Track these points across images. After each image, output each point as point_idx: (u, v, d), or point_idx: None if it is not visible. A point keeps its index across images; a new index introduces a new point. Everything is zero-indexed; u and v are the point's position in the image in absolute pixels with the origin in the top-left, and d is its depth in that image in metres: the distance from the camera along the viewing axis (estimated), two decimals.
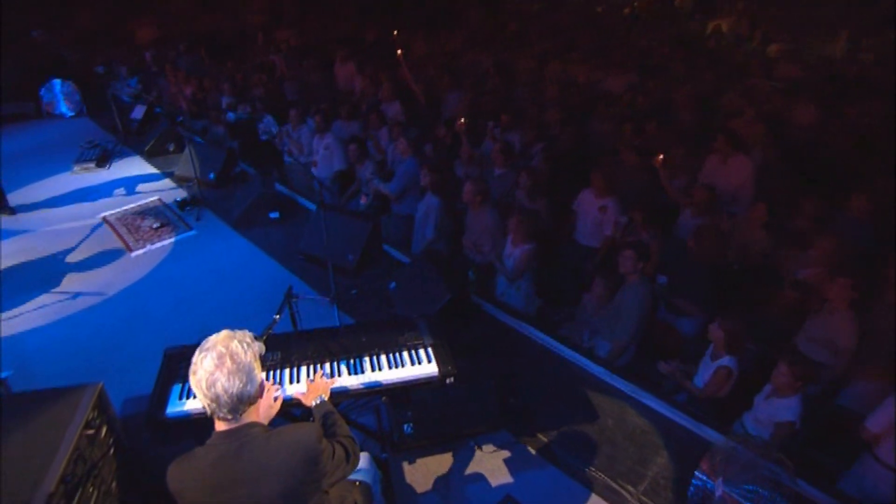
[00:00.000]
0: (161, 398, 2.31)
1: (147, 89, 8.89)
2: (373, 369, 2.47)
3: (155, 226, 5.72)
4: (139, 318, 4.38)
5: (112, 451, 2.09)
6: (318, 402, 2.16)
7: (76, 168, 6.92)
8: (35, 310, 4.50)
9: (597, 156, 5.53)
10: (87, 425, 1.91)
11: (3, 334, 4.20)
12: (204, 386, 1.51)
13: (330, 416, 2.05)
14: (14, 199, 6.22)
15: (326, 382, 2.28)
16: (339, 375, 2.43)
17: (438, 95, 7.19)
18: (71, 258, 5.21)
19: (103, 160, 7.09)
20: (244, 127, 7.02)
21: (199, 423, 2.24)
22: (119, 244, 5.44)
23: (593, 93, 6.99)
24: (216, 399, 1.52)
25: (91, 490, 1.94)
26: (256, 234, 5.58)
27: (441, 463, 3.02)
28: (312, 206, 5.90)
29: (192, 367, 1.53)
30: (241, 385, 1.53)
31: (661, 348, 4.02)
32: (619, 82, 7.16)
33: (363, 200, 5.74)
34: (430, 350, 2.56)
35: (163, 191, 6.52)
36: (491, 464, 3.01)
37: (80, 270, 5.02)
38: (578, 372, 3.80)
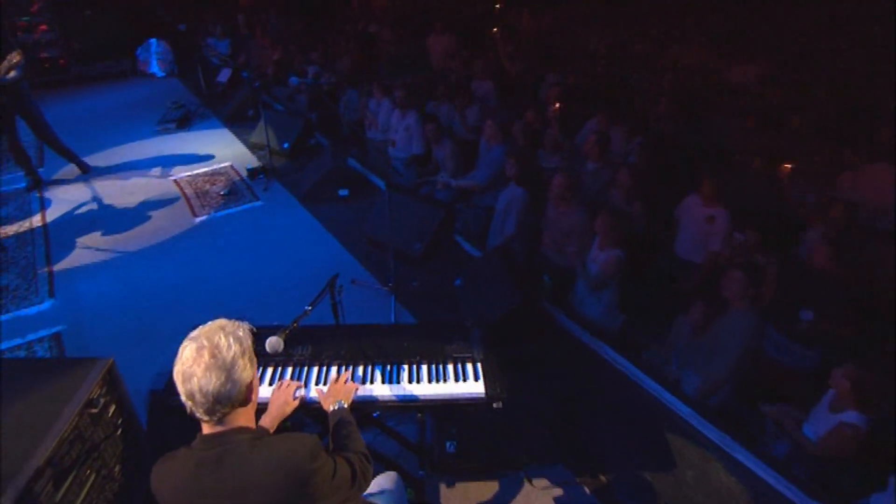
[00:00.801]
0: (169, 382, 2.26)
1: (236, 53, 9.27)
2: (410, 380, 2.30)
3: (222, 192, 5.93)
4: (193, 285, 4.54)
5: (119, 432, 2.06)
6: (335, 407, 2.04)
7: (158, 128, 7.33)
8: (95, 266, 4.80)
9: (710, 157, 4.99)
10: (90, 403, 1.87)
11: (62, 289, 4.50)
12: (180, 379, 1.45)
13: (345, 427, 1.94)
14: (94, 156, 6.71)
15: (350, 387, 2.17)
16: (372, 382, 2.28)
17: (536, 76, 6.85)
18: (137, 217, 5.52)
19: (184, 122, 7.47)
20: (325, 97, 7.10)
21: None
22: (185, 208, 5.69)
23: (716, 83, 6.35)
24: (191, 395, 1.45)
25: (88, 473, 1.92)
26: (323, 210, 5.65)
27: (483, 491, 2.86)
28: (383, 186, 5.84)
29: (177, 356, 1.46)
30: (217, 383, 1.44)
31: (765, 390, 3.54)
32: (748, 72, 6.46)
33: (440, 186, 5.57)
34: (479, 366, 2.35)
35: (237, 157, 6.77)
36: (540, 501, 2.81)
37: (144, 231, 5.31)
38: (659, 407, 3.45)
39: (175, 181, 6.19)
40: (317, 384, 2.29)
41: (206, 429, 1.51)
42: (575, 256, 4.31)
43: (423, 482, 2.80)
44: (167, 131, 7.36)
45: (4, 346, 3.86)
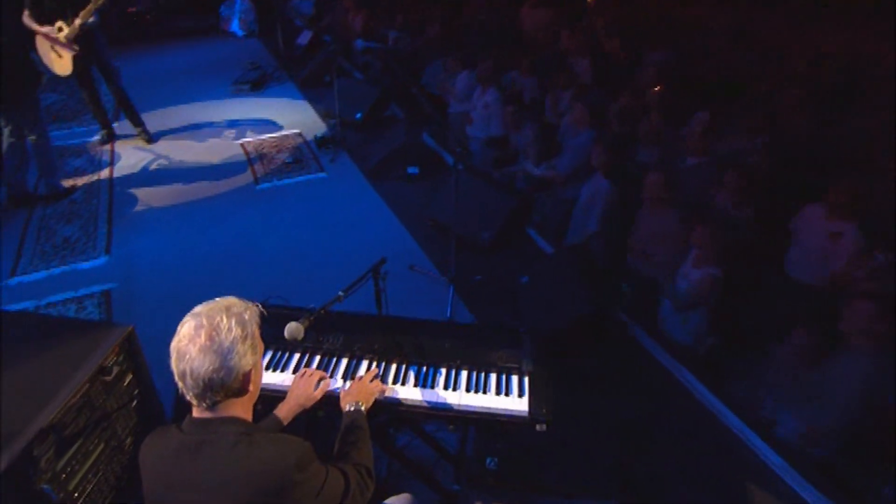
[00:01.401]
0: None
1: (320, 15, 9.45)
2: (446, 386, 2.21)
3: (287, 160, 6.07)
4: (246, 255, 4.67)
5: (134, 403, 2.10)
6: (352, 407, 1.98)
7: (232, 89, 7.62)
8: (152, 225, 5.04)
9: (844, 159, 4.49)
10: (102, 370, 1.91)
11: (118, 246, 4.77)
12: (175, 357, 1.44)
13: (353, 433, 1.87)
14: (165, 112, 7.06)
15: (373, 388, 2.11)
16: (404, 383, 2.21)
17: (639, 54, 6.46)
18: (200, 180, 5.75)
19: (259, 84, 7.72)
20: (396, 66, 7.08)
21: None
22: (249, 173, 5.87)
23: (864, 70, 5.68)
24: (182, 376, 1.43)
25: (97, 442, 1.96)
26: (389, 188, 5.65)
27: None
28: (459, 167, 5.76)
29: (176, 331, 1.45)
30: (210, 368, 1.41)
31: (885, 447, 3.14)
32: None
33: (520, 175, 5.40)
34: (526, 380, 2.22)
35: (307, 125, 6.91)
36: None
37: (205, 193, 5.52)
38: (742, 451, 3.16)
39: (242, 145, 6.40)
40: (344, 378, 2.24)
41: (196, 412, 1.50)
42: (662, 268, 4.02)
43: (456, 496, 2.72)
44: (241, 93, 7.63)
45: (57, 298, 4.15)
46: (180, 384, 1.44)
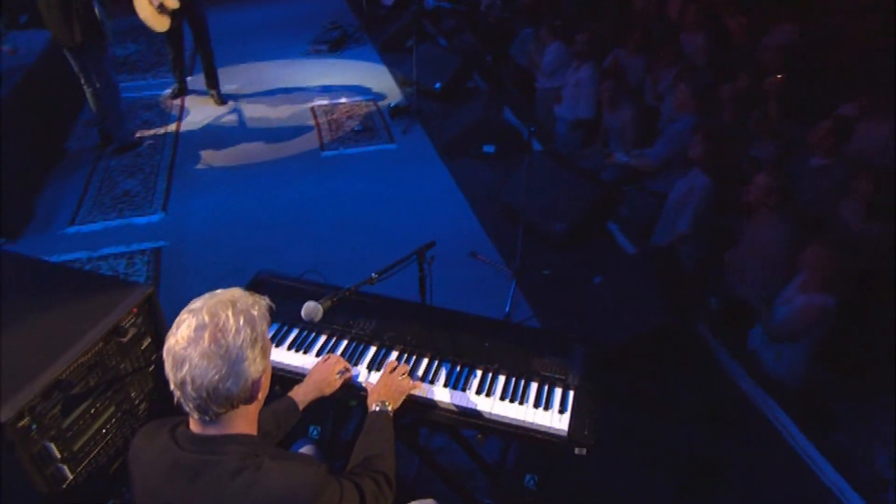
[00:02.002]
0: None
1: None
2: (480, 390, 2.13)
3: (357, 128, 6.13)
4: (300, 224, 4.76)
5: (152, 368, 2.15)
6: (378, 408, 1.93)
7: (309, 48, 7.77)
8: (210, 185, 5.22)
9: None
10: (117, 330, 1.96)
11: (175, 203, 4.98)
12: (170, 362, 1.32)
13: (376, 436, 1.81)
14: (238, 68, 7.31)
15: (402, 385, 2.05)
16: (433, 382, 2.15)
17: (763, 30, 5.99)
18: (264, 142, 5.90)
19: (338, 45, 7.83)
20: (489, 32, 6.96)
21: None
22: (315, 139, 5.97)
23: None
24: (181, 385, 1.31)
25: (107, 405, 2.02)
26: (461, 166, 5.60)
27: None
28: (540, 149, 5.62)
29: (171, 328, 1.35)
30: (216, 377, 1.30)
31: None
32: None
33: (609, 163, 5.16)
34: (570, 395, 2.10)
35: (382, 91, 6.96)
36: None
37: (268, 156, 5.66)
38: None
39: (312, 109, 6.51)
40: (370, 368, 2.20)
41: (193, 425, 1.40)
42: (760, 288, 3.70)
43: None
44: (318, 53, 7.77)
45: (110, 251, 4.39)
46: (177, 393, 1.33)
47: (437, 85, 6.64)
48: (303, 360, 2.25)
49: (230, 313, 1.33)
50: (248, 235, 4.60)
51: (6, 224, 4.50)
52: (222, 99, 6.54)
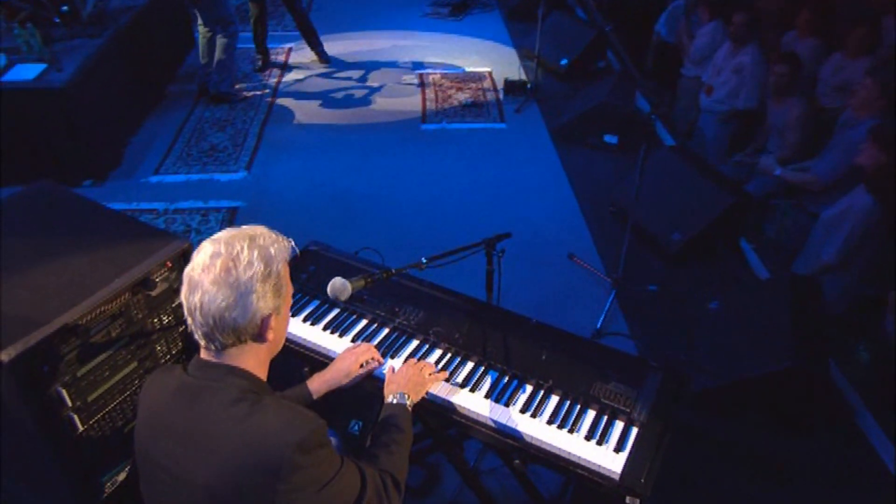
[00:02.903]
0: None
1: None
2: (525, 409, 2.05)
3: (466, 102, 6.15)
4: (383, 200, 4.86)
5: (182, 328, 2.24)
6: (395, 399, 1.93)
7: (429, 11, 7.87)
8: (298, 150, 5.42)
9: None
10: (145, 282, 2.04)
11: (260, 164, 5.22)
12: (186, 288, 1.47)
13: (390, 432, 1.81)
14: (347, 34, 7.52)
15: (430, 379, 2.06)
16: (474, 390, 2.09)
17: None
18: (361, 108, 6.08)
19: (460, 9, 7.89)
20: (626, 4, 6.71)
21: None
22: (418, 110, 6.05)
23: None
24: (192, 311, 1.46)
25: (129, 359, 2.11)
26: (577, 155, 5.49)
27: None
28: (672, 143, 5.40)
29: (193, 254, 1.49)
30: (222, 304, 1.42)
31: None
32: None
33: (759, 171, 4.82)
34: (632, 432, 1.96)
35: (501, 64, 6.92)
36: None
37: (364, 125, 5.81)
38: None
39: (420, 77, 6.61)
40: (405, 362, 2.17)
41: (203, 353, 1.54)
42: None
43: None
44: (437, 16, 7.85)
45: (186, 205, 4.67)
46: (189, 320, 1.48)
47: (564, 61, 6.52)
48: (336, 344, 2.26)
49: (246, 245, 1.46)
50: (327, 204, 4.73)
51: (96, 166, 4.90)
52: (326, 58, 6.77)
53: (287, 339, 2.29)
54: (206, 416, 1.45)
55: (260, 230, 1.53)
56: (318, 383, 2.02)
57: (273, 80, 6.48)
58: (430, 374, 2.05)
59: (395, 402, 1.91)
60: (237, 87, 6.21)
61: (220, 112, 5.90)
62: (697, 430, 3.24)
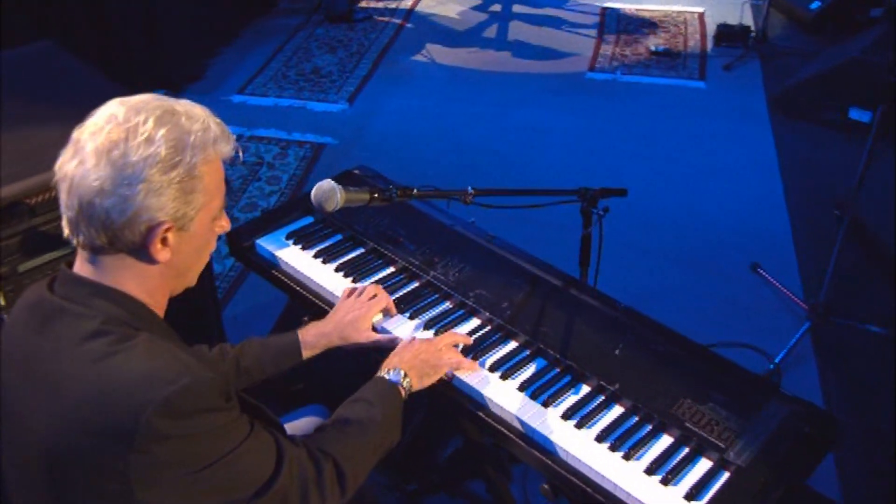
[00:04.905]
0: (271, 220, 2.55)
1: None
2: (570, 415, 1.88)
3: (656, 49, 6.02)
4: (516, 162, 4.84)
5: None
6: (391, 375, 1.89)
7: None
8: (416, 86, 5.58)
9: None
10: None
11: (365, 98, 5.40)
12: (69, 149, 1.42)
13: (358, 407, 1.77)
14: None
15: (447, 361, 1.98)
16: (506, 378, 2.00)
17: None
18: (510, 49, 6.12)
19: None
20: None
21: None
22: (588, 54, 6.00)
23: None
24: (60, 183, 1.42)
25: None
26: (800, 134, 5.25)
27: None
28: None
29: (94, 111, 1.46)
30: (94, 184, 1.35)
31: None
32: None
33: None
34: (720, 478, 1.78)
35: (721, 4, 6.76)
36: None
37: (505, 67, 5.87)
38: None
39: (602, 12, 6.60)
40: (428, 328, 2.14)
41: (77, 261, 1.51)
42: None
43: None
44: None
45: (265, 133, 4.92)
46: (62, 195, 1.45)
47: (815, 4, 6.27)
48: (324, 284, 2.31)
49: (153, 118, 1.39)
50: (439, 157, 4.79)
51: (175, 74, 5.28)
52: None
53: (289, 278, 2.38)
54: (55, 349, 1.41)
55: (192, 107, 1.47)
56: (314, 334, 2.04)
57: (409, 2, 6.67)
58: (448, 358, 1.98)
59: (389, 377, 1.87)
60: (362, 3, 6.42)
61: (335, 31, 6.16)
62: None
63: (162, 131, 1.38)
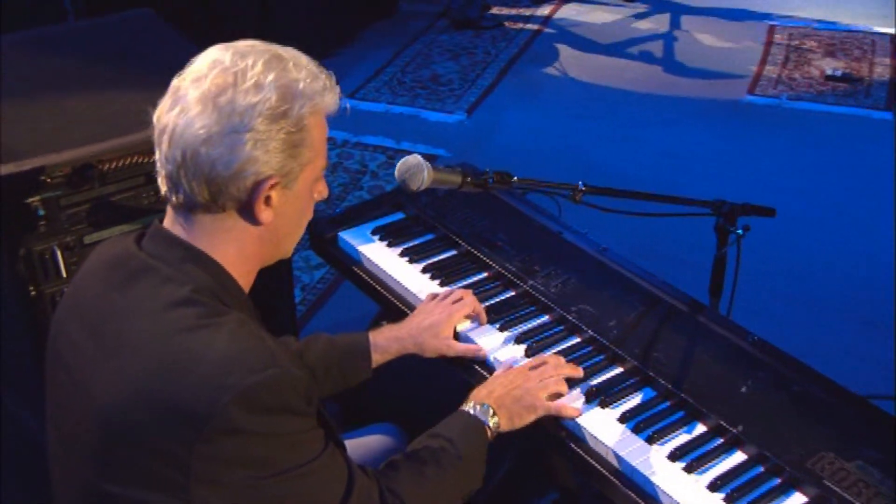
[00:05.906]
0: (359, 213, 2.62)
1: None
2: (679, 456, 1.81)
3: (832, 74, 5.90)
4: (647, 188, 4.68)
5: None
6: (478, 411, 1.85)
7: None
8: (544, 100, 5.59)
9: None
10: None
11: (488, 110, 5.43)
12: (168, 99, 1.44)
13: (436, 444, 1.75)
14: None
15: (542, 393, 1.90)
16: (605, 406, 1.95)
17: None
18: (653, 60, 6.14)
19: None
20: None
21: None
22: (749, 74, 5.92)
23: None
24: (160, 136, 1.43)
25: None
26: None
27: None
28: None
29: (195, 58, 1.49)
30: (200, 132, 1.37)
31: None
32: None
33: None
34: None
35: None
36: None
37: (650, 87, 5.83)
38: None
39: (770, 30, 6.52)
40: (520, 342, 2.11)
41: (167, 218, 1.53)
42: None
43: None
44: None
45: (373, 140, 5.03)
46: (157, 153, 1.47)
47: None
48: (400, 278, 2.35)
49: (262, 61, 1.41)
50: (560, 178, 4.61)
51: None
52: None
53: (371, 277, 2.41)
54: (134, 309, 1.43)
55: (298, 55, 1.49)
56: (386, 338, 2.05)
57: (546, 10, 6.73)
58: (547, 401, 1.92)
59: (475, 413, 1.83)
60: (492, 11, 6.54)
61: (460, 37, 6.27)
62: None
63: (271, 76, 1.40)
